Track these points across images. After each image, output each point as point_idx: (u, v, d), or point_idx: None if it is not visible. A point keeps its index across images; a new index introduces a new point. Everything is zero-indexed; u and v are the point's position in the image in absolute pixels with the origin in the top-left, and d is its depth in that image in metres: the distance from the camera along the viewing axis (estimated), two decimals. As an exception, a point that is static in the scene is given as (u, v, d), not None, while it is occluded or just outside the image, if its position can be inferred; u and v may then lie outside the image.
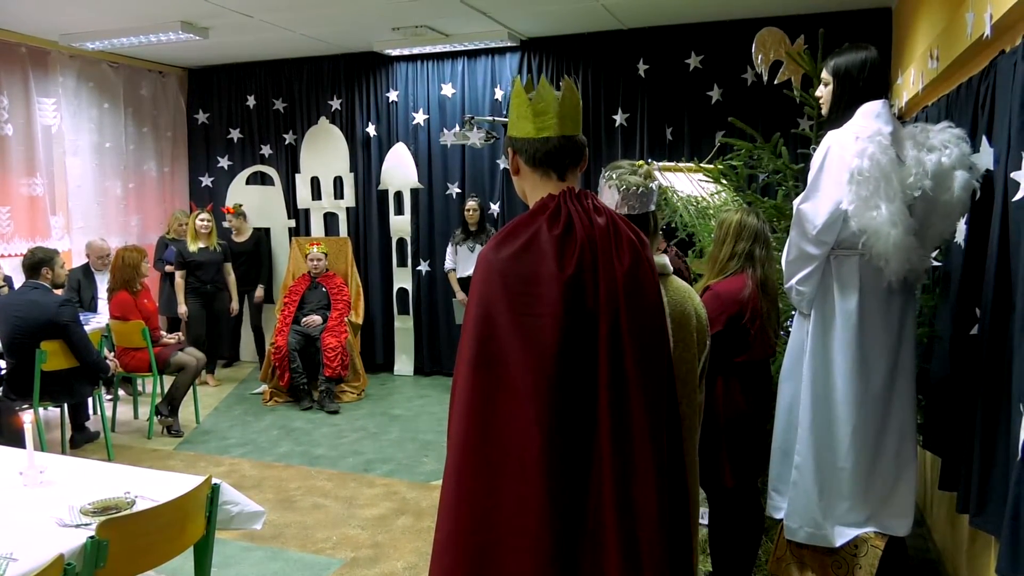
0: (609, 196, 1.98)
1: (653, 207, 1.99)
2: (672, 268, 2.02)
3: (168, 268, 6.67)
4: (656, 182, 2.02)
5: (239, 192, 7.60)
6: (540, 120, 1.63)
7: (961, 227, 2.66)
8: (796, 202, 2.52)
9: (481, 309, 1.53)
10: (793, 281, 2.55)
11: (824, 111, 2.61)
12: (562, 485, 1.48)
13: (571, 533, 1.50)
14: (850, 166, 2.33)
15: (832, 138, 2.43)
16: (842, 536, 2.51)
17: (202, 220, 6.58)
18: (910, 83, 4.06)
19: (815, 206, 2.42)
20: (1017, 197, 2.08)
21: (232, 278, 6.89)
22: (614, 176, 1.99)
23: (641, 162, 2.09)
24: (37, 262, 4.61)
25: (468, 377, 1.53)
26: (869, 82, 2.45)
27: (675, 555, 1.60)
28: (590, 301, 1.53)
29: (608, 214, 1.61)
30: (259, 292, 7.16)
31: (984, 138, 2.48)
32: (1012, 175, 2.12)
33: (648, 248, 1.65)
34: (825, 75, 2.58)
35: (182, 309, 6.48)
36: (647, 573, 1.50)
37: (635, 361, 1.53)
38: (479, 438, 1.51)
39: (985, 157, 2.44)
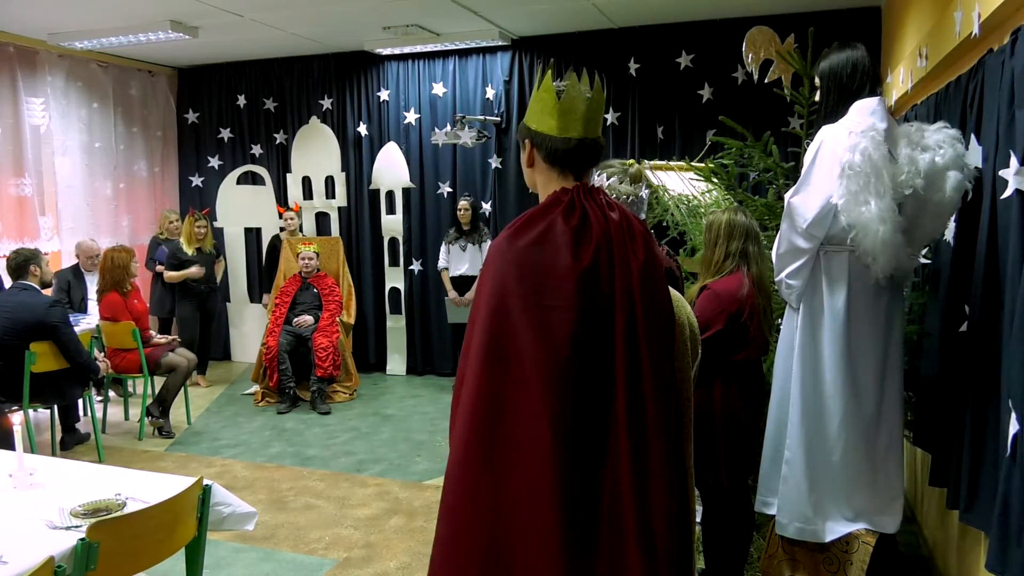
0: None
1: (643, 215, 1.99)
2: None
3: (159, 268, 6.64)
4: (646, 190, 2.02)
5: (230, 192, 7.57)
6: (565, 119, 1.61)
7: (950, 225, 2.68)
8: (788, 195, 2.53)
9: (494, 300, 1.51)
10: (783, 275, 2.56)
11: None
12: (574, 478, 1.47)
13: (584, 527, 1.48)
14: (842, 160, 2.34)
15: (826, 132, 2.44)
16: (832, 532, 2.52)
17: (199, 227, 6.58)
18: (899, 82, 4.08)
19: (806, 200, 2.43)
20: (1005, 195, 2.10)
21: (222, 266, 6.96)
22: (605, 185, 1.98)
23: (632, 161, 2.09)
24: (23, 261, 4.58)
25: (478, 369, 1.50)
26: (855, 79, 2.47)
27: (682, 551, 1.61)
28: (606, 294, 1.52)
29: (621, 210, 1.61)
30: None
31: (972, 136, 2.50)
32: (1000, 173, 2.13)
33: (656, 243, 1.65)
34: (816, 79, 2.61)
35: (193, 269, 6.41)
36: (663, 567, 1.50)
37: (650, 357, 1.53)
38: (488, 432, 1.49)
39: (973, 155, 2.45)
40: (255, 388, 6.40)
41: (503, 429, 1.49)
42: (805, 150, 2.60)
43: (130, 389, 6.12)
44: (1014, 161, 2.03)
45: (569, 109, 1.60)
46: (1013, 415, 1.94)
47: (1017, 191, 2.02)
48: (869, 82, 2.48)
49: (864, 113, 2.41)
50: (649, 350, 1.53)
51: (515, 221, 1.57)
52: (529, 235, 1.52)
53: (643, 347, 1.53)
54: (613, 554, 1.49)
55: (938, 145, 2.39)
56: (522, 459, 1.47)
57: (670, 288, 2.00)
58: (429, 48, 6.59)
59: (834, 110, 2.49)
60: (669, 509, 1.51)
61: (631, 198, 1.94)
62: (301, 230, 7.16)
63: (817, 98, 2.66)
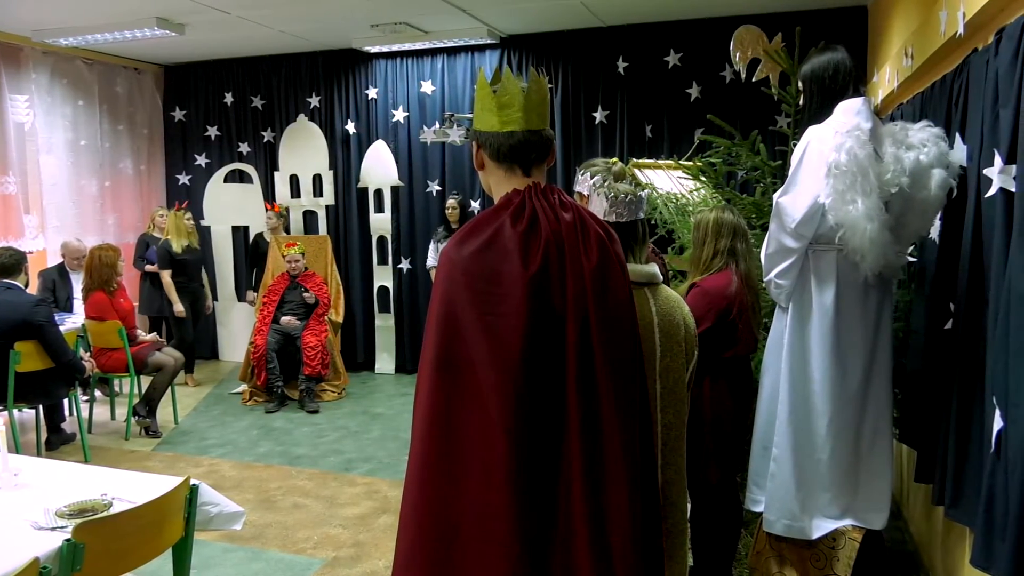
0: (597, 204, 1.94)
1: (642, 214, 1.97)
2: (661, 276, 2.01)
3: (149, 268, 6.58)
4: (646, 190, 2.00)
5: (217, 190, 7.53)
6: (505, 113, 1.57)
7: (935, 223, 2.70)
8: (776, 196, 2.55)
9: (444, 308, 1.48)
10: (772, 274, 2.58)
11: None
12: (529, 489, 1.44)
13: (540, 539, 1.46)
14: (828, 160, 2.35)
15: (812, 133, 2.46)
16: (819, 529, 2.53)
17: (189, 220, 6.55)
18: (885, 81, 4.11)
19: (794, 200, 2.45)
20: (989, 193, 2.11)
21: (205, 277, 6.89)
22: (603, 184, 1.96)
23: (615, 159, 2.08)
24: (16, 263, 4.55)
25: (430, 379, 1.47)
26: (837, 81, 2.49)
27: (648, 560, 1.57)
28: (557, 300, 1.48)
29: (575, 209, 1.56)
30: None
31: (957, 135, 2.52)
32: (984, 171, 2.15)
33: (617, 244, 1.60)
34: (800, 83, 2.63)
35: (179, 308, 6.40)
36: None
37: (605, 362, 1.49)
38: (441, 443, 1.46)
39: (958, 154, 2.47)
40: (243, 387, 6.37)
41: (457, 441, 1.45)
42: (792, 149, 2.61)
43: (117, 389, 6.08)
44: (998, 160, 2.04)
45: (507, 103, 1.57)
46: (997, 412, 1.96)
47: (1001, 189, 2.04)
48: (852, 82, 2.50)
49: (849, 113, 2.43)
50: (604, 357, 1.49)
51: (465, 226, 1.53)
52: (476, 241, 1.48)
53: (597, 354, 1.48)
54: (566, 566, 1.47)
55: (922, 143, 2.41)
56: (477, 471, 1.44)
57: (668, 289, 1.99)
58: (418, 46, 6.57)
59: (818, 112, 2.51)
60: (628, 519, 1.48)
61: (629, 197, 1.92)
62: (287, 230, 7.11)
63: (801, 101, 2.68)
